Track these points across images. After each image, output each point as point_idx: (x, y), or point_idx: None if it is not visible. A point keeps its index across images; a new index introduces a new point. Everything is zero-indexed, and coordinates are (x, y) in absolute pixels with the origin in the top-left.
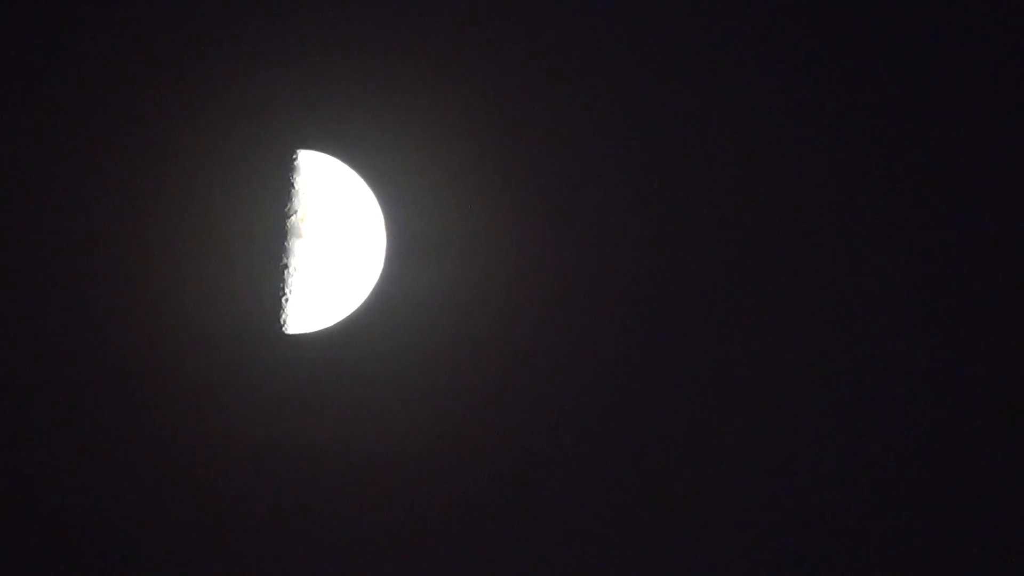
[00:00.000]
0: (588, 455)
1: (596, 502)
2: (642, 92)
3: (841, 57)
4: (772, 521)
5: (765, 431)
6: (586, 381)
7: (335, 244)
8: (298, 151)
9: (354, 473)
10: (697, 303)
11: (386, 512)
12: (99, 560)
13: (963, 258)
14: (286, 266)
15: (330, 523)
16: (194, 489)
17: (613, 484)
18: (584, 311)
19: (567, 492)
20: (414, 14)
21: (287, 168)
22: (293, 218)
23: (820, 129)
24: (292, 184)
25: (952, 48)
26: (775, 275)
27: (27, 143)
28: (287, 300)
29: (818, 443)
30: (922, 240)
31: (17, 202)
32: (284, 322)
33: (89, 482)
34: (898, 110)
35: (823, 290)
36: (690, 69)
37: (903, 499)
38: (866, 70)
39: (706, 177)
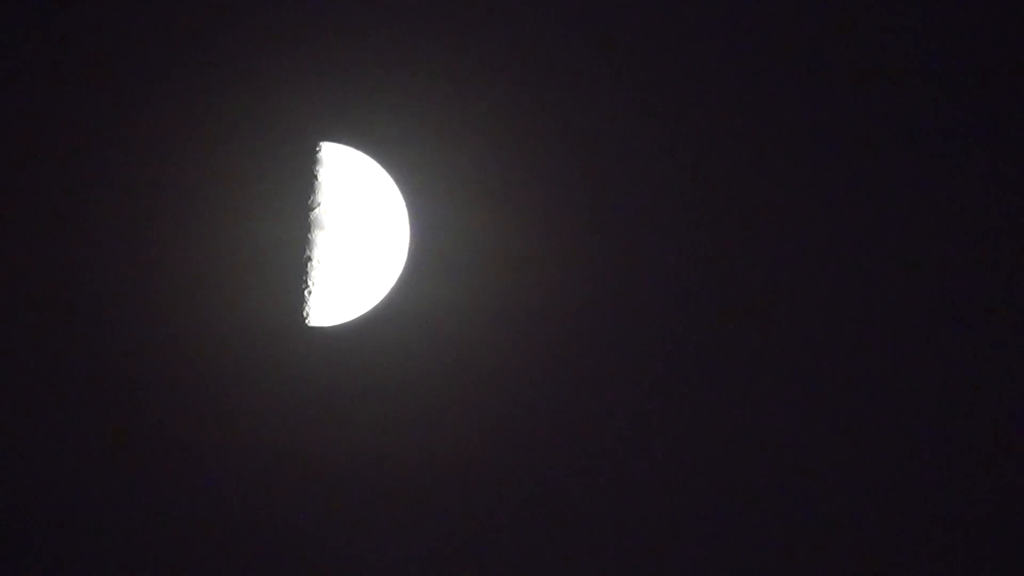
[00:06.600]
0: (609, 463)
1: (612, 510)
2: (685, 102)
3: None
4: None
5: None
6: (609, 387)
7: (358, 237)
8: (321, 144)
9: (369, 471)
10: (721, 314)
11: (393, 510)
12: (116, 561)
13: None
14: (309, 259)
15: (339, 517)
16: (211, 478)
17: (631, 493)
18: (613, 316)
19: (583, 497)
20: (443, 5)
21: (310, 161)
22: (316, 211)
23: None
24: (315, 177)
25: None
26: (809, 298)
27: (47, 139)
28: (310, 292)
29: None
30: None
31: (36, 198)
32: (307, 314)
33: (107, 473)
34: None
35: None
36: (735, 81)
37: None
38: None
39: (740, 191)
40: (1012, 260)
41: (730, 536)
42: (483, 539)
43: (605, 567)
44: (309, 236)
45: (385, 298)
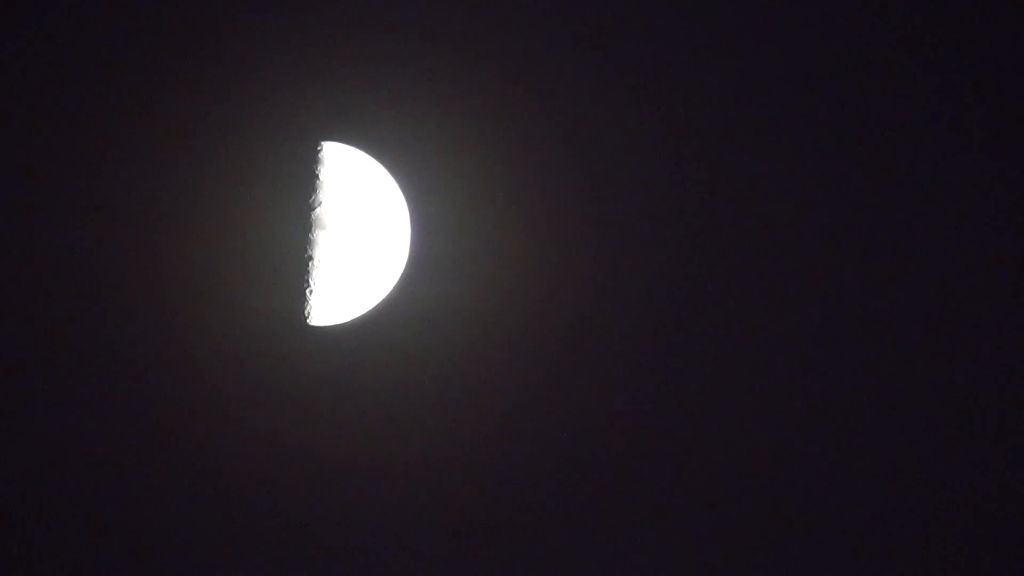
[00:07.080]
0: (611, 463)
1: (614, 510)
2: (688, 102)
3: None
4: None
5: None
6: (611, 388)
7: (359, 237)
8: (323, 143)
9: (369, 471)
10: (725, 315)
11: (393, 510)
12: (115, 560)
13: None
14: (310, 258)
15: (339, 516)
16: (211, 477)
17: (633, 493)
18: (614, 317)
19: (584, 498)
20: (444, 5)
21: (312, 160)
22: (317, 210)
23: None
24: (317, 176)
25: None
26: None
27: (47, 139)
28: (311, 292)
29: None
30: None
31: (36, 197)
32: (308, 314)
33: (106, 472)
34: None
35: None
36: (738, 80)
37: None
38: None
39: (743, 191)
40: (1015, 261)
41: (731, 539)
42: (483, 539)
43: (605, 567)
44: (310, 236)
45: (385, 298)
